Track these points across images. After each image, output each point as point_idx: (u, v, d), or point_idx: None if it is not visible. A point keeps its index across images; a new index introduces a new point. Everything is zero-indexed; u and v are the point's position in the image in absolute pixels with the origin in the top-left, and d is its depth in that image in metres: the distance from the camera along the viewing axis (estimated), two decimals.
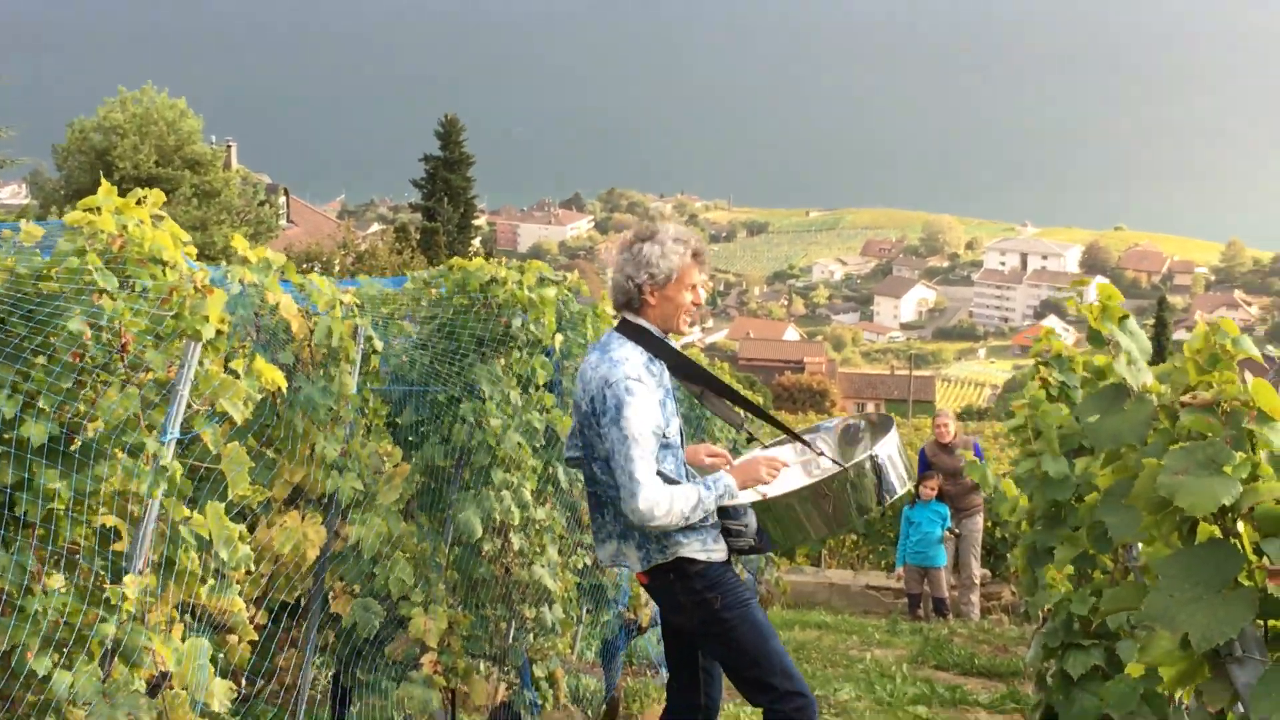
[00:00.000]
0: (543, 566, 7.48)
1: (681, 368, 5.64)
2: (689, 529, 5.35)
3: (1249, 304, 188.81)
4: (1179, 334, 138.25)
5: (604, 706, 8.98)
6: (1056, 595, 5.64)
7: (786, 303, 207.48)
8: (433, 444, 7.08)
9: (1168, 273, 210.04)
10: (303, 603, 5.94)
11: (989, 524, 19.15)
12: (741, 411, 6.04)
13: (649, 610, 9.23)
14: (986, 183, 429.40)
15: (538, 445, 7.58)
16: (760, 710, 5.54)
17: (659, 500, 5.15)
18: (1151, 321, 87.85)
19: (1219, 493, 2.44)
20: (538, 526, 7.53)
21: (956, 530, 16.18)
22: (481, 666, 7.17)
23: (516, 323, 7.30)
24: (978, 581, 16.70)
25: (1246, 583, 2.44)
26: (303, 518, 5.69)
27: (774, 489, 5.68)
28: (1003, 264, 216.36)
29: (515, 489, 7.27)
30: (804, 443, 6.13)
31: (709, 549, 5.42)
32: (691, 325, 5.77)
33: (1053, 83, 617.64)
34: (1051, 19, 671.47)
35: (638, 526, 5.25)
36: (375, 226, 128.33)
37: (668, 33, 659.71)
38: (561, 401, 7.94)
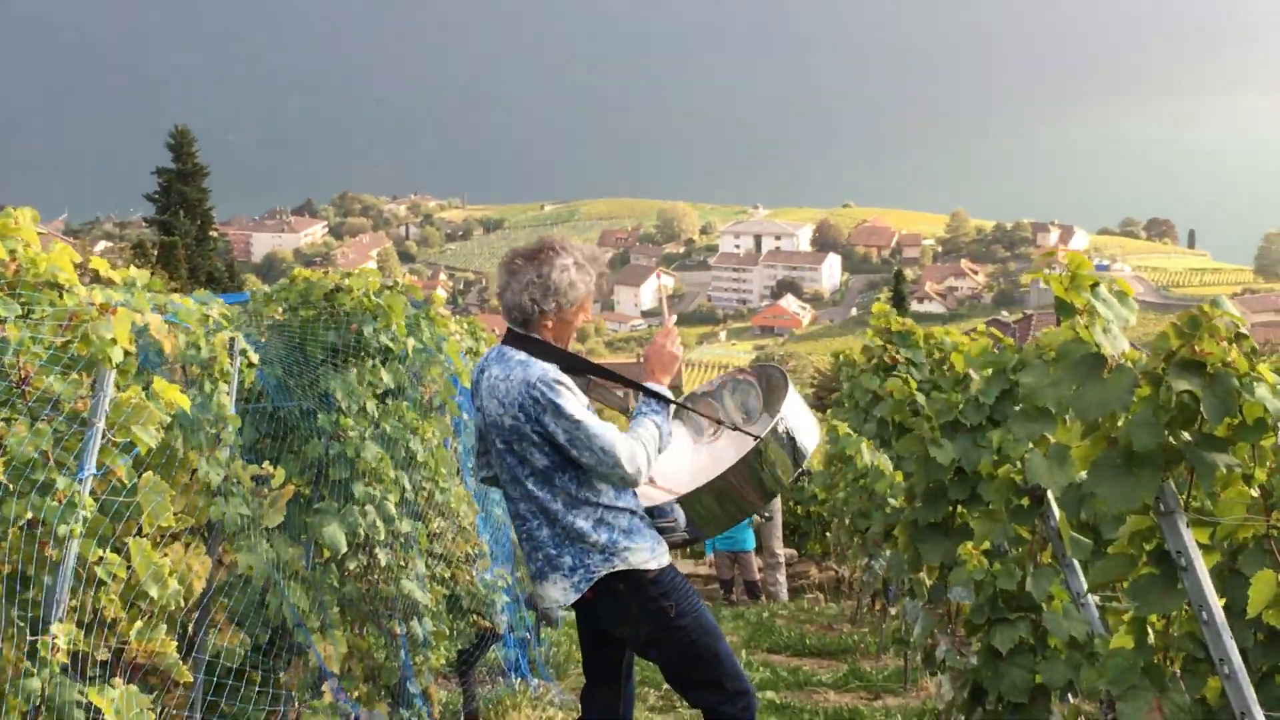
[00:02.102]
0: (410, 580, 7.24)
1: (567, 363, 5.52)
2: (633, 535, 5.21)
3: (975, 272, 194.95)
4: (914, 305, 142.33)
5: (463, 717, 8.77)
6: (979, 572, 5.60)
7: None
8: (288, 460, 6.79)
9: (897, 246, 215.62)
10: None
11: (791, 503, 19.36)
12: (627, 394, 5.98)
13: (505, 617, 9.03)
14: (717, 167, 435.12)
15: (398, 456, 7.32)
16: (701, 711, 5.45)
17: (635, 450, 5.17)
18: (890, 294, 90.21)
19: None
20: (403, 540, 7.28)
21: (765, 514, 16.29)
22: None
23: (367, 330, 7.04)
24: (783, 561, 16.87)
25: None
26: (186, 548, 5.37)
27: (695, 477, 5.59)
28: (738, 247, 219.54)
29: (378, 502, 7.01)
30: (698, 412, 6.04)
31: (657, 554, 5.30)
32: None
33: (777, 64, 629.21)
34: (775, 3, 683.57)
35: (580, 537, 5.18)
36: (103, 245, 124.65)
37: (394, 30, 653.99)
38: (420, 409, 7.69)
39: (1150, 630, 4.00)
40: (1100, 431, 3.89)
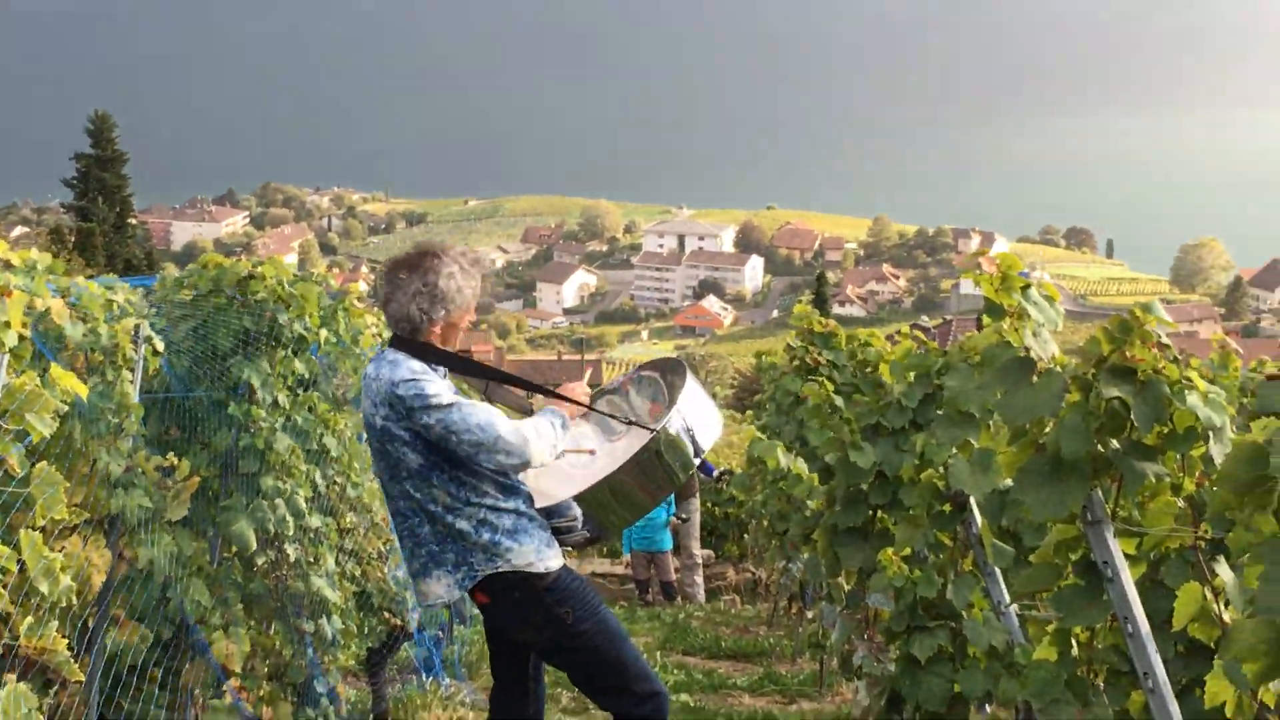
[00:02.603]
0: (320, 577, 7.08)
1: (464, 368, 5.41)
2: (518, 534, 5.08)
3: (896, 277, 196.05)
4: (836, 309, 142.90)
5: (372, 716, 8.61)
6: (899, 578, 5.51)
7: None
8: (195, 452, 6.62)
9: (819, 249, 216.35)
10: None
11: (709, 505, 19.29)
12: (528, 395, 5.83)
13: (415, 615, 8.88)
14: (642, 167, 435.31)
15: (310, 449, 7.16)
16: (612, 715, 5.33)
17: (520, 426, 5.01)
18: (811, 296, 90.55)
19: None
20: (312, 535, 7.12)
21: (683, 516, 16.22)
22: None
23: (281, 319, 6.88)
24: (700, 562, 16.80)
25: None
26: (84, 541, 5.20)
27: (591, 472, 5.48)
28: (661, 246, 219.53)
29: (289, 496, 6.85)
30: (604, 414, 5.93)
31: (544, 556, 5.17)
32: None
33: (702, 67, 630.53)
34: (701, 3, 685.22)
35: (462, 536, 5.02)
36: (19, 230, 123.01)
37: (316, 22, 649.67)
38: (333, 402, 7.53)
39: (1074, 642, 3.92)
40: (1027, 438, 3.80)
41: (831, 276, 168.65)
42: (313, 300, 7.09)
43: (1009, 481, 3.88)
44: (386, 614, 8.56)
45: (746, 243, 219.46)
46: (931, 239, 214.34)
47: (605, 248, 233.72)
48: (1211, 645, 3.72)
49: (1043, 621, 5.39)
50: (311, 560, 7.09)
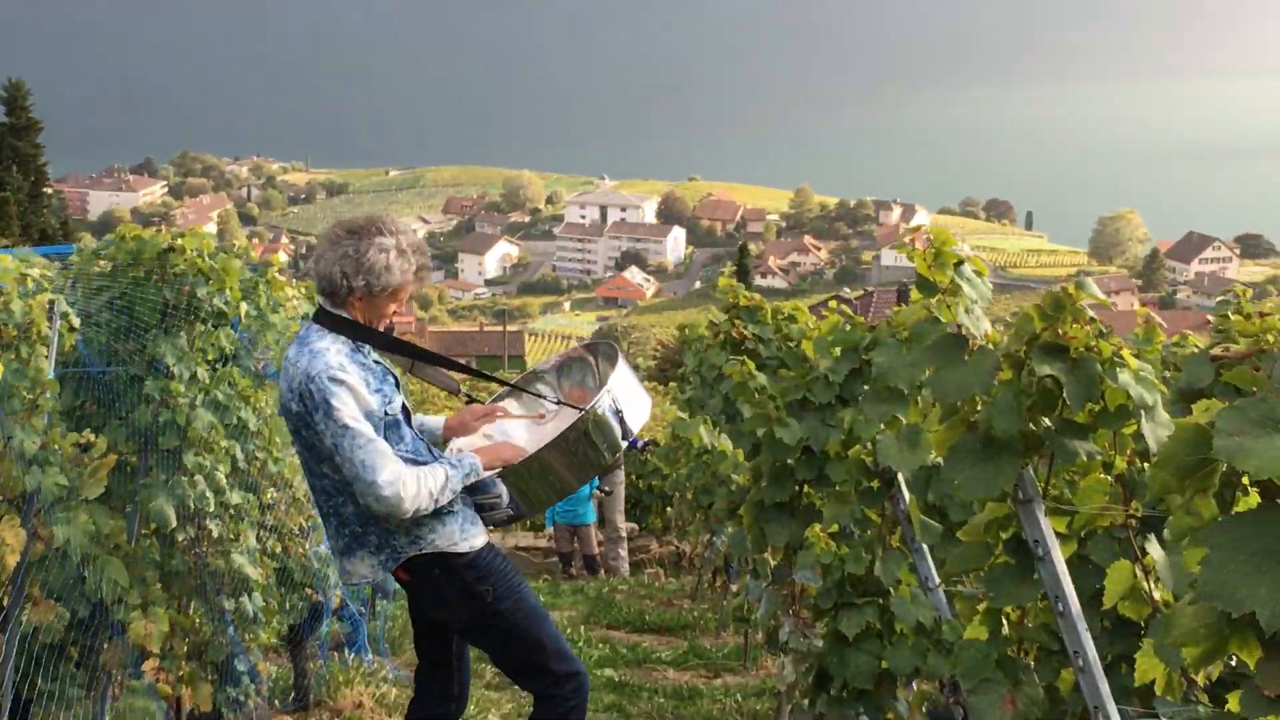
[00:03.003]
0: (241, 554, 6.99)
1: (387, 346, 5.29)
2: (441, 514, 5.02)
3: (818, 248, 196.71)
4: (757, 280, 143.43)
5: (294, 694, 8.53)
6: (827, 555, 5.49)
7: None
8: (114, 428, 6.51)
9: (741, 221, 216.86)
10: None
11: (633, 477, 19.28)
12: (456, 375, 5.75)
13: (338, 591, 8.80)
14: (564, 138, 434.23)
15: (229, 424, 7.06)
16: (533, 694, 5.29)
17: (404, 479, 4.81)
18: (734, 268, 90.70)
19: None
20: (233, 512, 7.02)
21: (607, 489, 16.17)
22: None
23: (201, 293, 6.77)
24: (624, 535, 16.78)
25: None
26: None
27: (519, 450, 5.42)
28: (583, 217, 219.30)
29: (209, 473, 6.75)
30: (530, 392, 5.88)
31: (468, 535, 5.10)
32: None
33: (628, 36, 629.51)
34: None
35: (384, 518, 4.90)
36: None
37: None
38: (253, 376, 7.42)
39: (1004, 621, 3.91)
40: (959, 416, 3.78)
41: (753, 248, 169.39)
42: (233, 274, 6.99)
43: (935, 457, 3.86)
44: (308, 590, 8.47)
45: (669, 214, 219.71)
46: (853, 210, 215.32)
47: (527, 219, 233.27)
48: (1141, 623, 3.72)
49: (969, 598, 5.41)
50: (232, 537, 6.99)
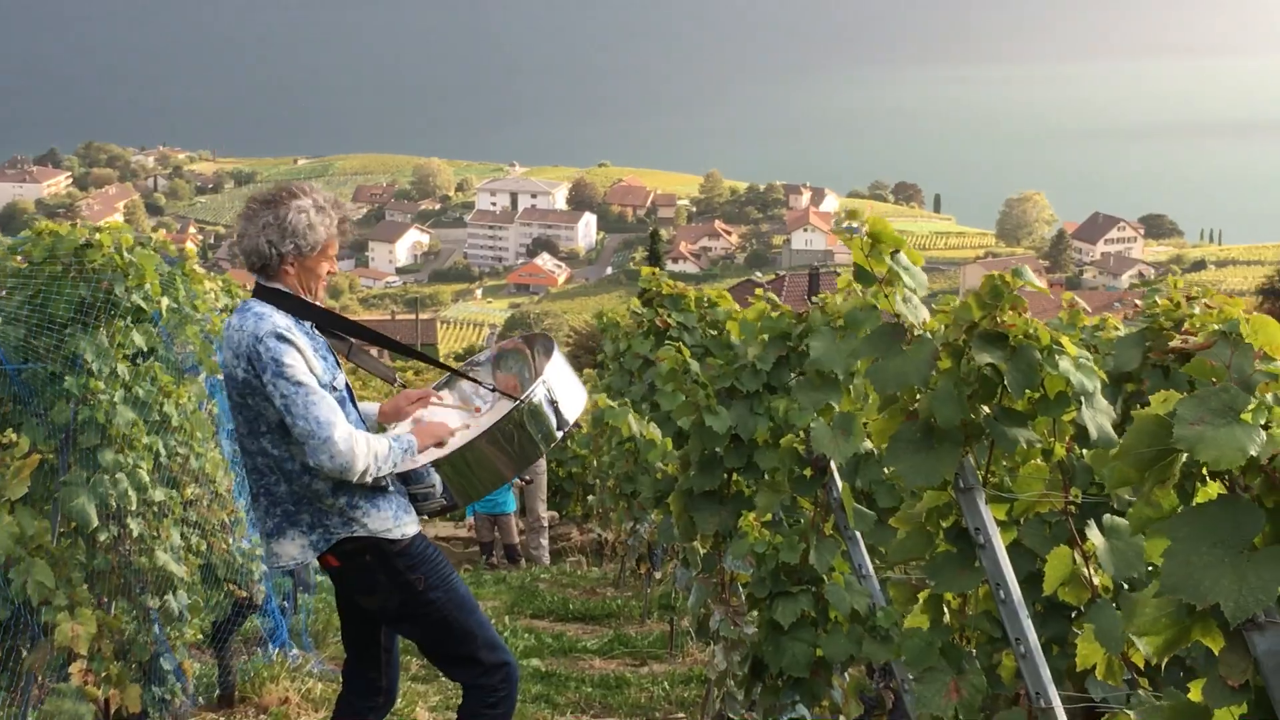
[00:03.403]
0: (165, 552, 6.90)
1: (327, 323, 5.24)
2: (375, 499, 4.98)
3: (729, 233, 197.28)
4: (669, 265, 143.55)
5: (219, 691, 8.44)
6: (761, 544, 5.49)
7: None
8: (32, 426, 6.40)
9: (652, 206, 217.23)
10: None
11: (553, 465, 19.23)
12: (393, 362, 5.71)
13: (262, 586, 8.71)
14: (474, 125, 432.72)
15: (151, 420, 6.96)
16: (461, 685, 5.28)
17: (355, 438, 4.81)
18: (645, 253, 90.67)
19: (1245, 444, 2.25)
20: (156, 509, 6.93)
21: (528, 478, 16.09)
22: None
23: (119, 289, 6.67)
24: (546, 525, 16.74)
25: (1259, 543, 2.28)
26: None
27: (452, 440, 5.38)
28: (494, 204, 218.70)
29: (130, 470, 6.65)
30: (472, 379, 5.84)
31: (401, 522, 5.07)
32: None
33: (535, 22, 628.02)
34: None
35: (318, 497, 4.87)
36: None
37: None
38: (175, 371, 7.33)
39: (945, 609, 3.93)
40: (898, 405, 3.78)
41: (664, 233, 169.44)
42: (152, 268, 6.89)
43: (868, 445, 3.86)
44: (232, 586, 8.38)
45: (579, 200, 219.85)
46: (763, 195, 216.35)
47: (438, 206, 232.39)
48: (1081, 608, 3.74)
49: (902, 584, 5.43)
50: (155, 534, 6.90)
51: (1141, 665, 3.61)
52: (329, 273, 5.24)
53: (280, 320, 4.92)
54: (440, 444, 5.29)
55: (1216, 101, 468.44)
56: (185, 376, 7.55)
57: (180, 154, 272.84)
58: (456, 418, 5.78)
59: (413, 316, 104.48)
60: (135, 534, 6.70)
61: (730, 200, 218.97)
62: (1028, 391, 3.57)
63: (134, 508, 6.63)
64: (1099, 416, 3.65)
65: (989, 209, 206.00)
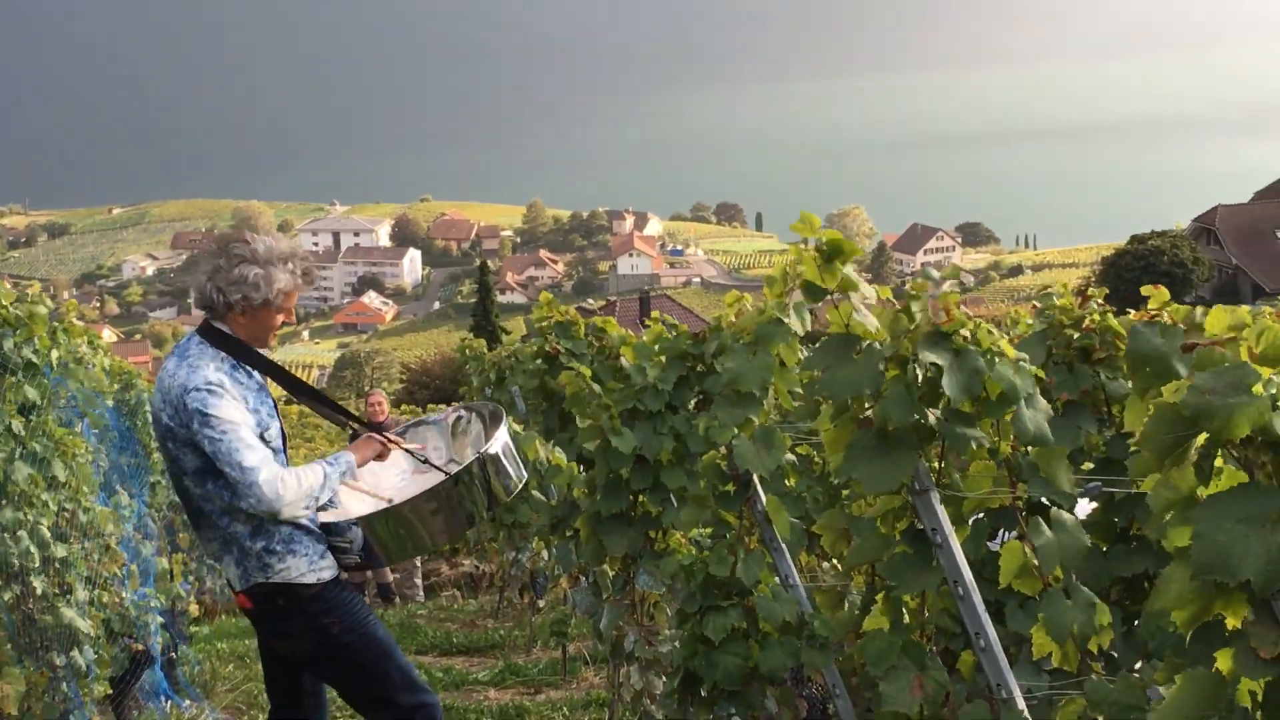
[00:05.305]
0: (70, 608, 6.81)
1: (268, 371, 5.23)
2: (293, 547, 4.98)
3: (554, 261, 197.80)
4: (498, 296, 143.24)
5: None
6: (688, 558, 5.57)
7: (99, 305, 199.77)
8: None
9: (476, 238, 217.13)
10: None
11: None
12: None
13: (157, 638, 8.60)
14: (291, 165, 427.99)
15: (50, 476, 6.87)
16: None
17: (282, 478, 4.81)
18: (474, 285, 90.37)
19: (1254, 413, 2.39)
20: (58, 565, 6.84)
21: None
22: None
23: (8, 345, 6.59)
24: (418, 564, 16.67)
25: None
26: None
27: (382, 499, 5.39)
28: (316, 245, 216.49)
29: (31, 527, 6.56)
30: (408, 450, 5.80)
31: (317, 567, 5.08)
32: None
33: (349, 60, 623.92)
34: None
35: (240, 539, 4.91)
36: None
37: None
38: (64, 423, 7.24)
39: (904, 610, 4.05)
40: (849, 413, 3.91)
41: (491, 264, 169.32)
42: (42, 322, 6.81)
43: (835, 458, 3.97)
44: (129, 640, 8.28)
45: (403, 236, 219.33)
46: (586, 222, 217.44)
47: None
48: (1035, 597, 3.88)
49: (829, 592, 5.57)
50: (57, 591, 6.81)
51: (1096, 650, 3.77)
52: (284, 322, 5.23)
53: (212, 374, 4.90)
54: (379, 458, 5.33)
55: (1025, 110, 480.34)
56: (72, 430, 7.46)
57: None
58: (403, 461, 5.78)
59: None
60: (39, 591, 6.61)
61: (554, 229, 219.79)
62: (971, 393, 3.71)
63: (37, 565, 6.54)
64: (1038, 415, 3.81)
65: None
